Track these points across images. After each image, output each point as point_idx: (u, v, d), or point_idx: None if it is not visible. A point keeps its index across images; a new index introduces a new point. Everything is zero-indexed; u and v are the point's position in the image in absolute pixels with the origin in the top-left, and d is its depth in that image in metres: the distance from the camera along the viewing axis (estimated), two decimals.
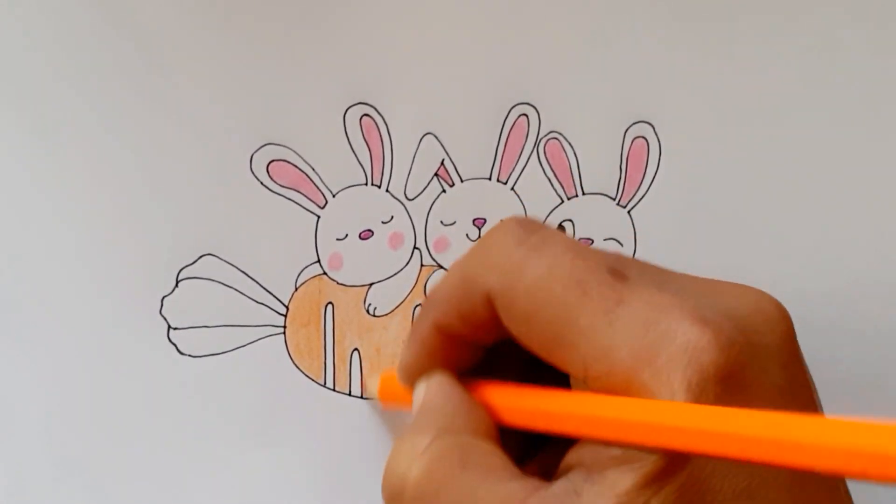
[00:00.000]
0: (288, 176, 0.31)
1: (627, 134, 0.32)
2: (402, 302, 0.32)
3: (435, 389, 0.25)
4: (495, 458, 0.22)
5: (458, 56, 0.31)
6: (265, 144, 0.31)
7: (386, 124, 0.31)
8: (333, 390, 0.31)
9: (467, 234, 0.32)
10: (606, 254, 0.23)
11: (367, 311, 0.31)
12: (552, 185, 0.32)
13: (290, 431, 0.31)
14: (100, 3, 0.30)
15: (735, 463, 0.20)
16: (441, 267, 0.32)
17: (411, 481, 0.23)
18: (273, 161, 0.31)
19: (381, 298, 0.31)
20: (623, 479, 0.20)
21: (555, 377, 0.24)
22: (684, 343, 0.20)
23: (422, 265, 0.32)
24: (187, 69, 0.30)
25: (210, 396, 0.31)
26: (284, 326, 0.31)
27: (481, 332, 0.25)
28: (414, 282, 0.32)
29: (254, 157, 0.31)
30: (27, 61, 0.30)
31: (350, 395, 0.31)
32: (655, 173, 0.32)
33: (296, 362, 0.31)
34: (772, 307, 0.22)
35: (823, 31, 0.33)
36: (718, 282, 0.23)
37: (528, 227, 0.23)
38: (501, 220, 0.24)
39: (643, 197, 0.32)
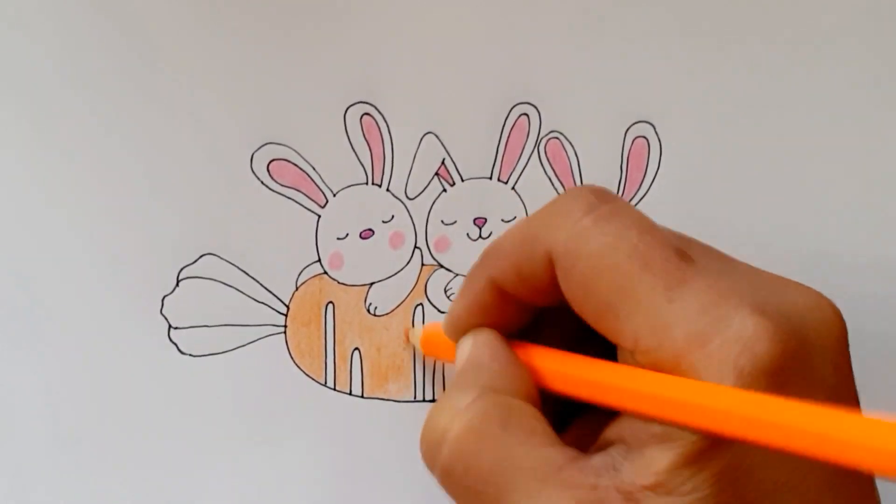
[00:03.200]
0: (288, 175, 0.31)
1: (628, 134, 0.32)
2: (402, 301, 0.32)
3: (481, 346, 0.25)
4: (536, 421, 0.22)
5: (459, 55, 0.31)
6: (266, 144, 0.31)
7: (387, 123, 0.31)
8: (334, 390, 0.31)
9: (468, 234, 0.32)
10: (674, 233, 0.23)
11: (368, 311, 0.31)
12: (553, 184, 0.32)
13: (291, 431, 0.31)
14: (100, 3, 0.30)
15: (777, 455, 0.20)
16: (441, 266, 0.32)
17: (451, 436, 0.23)
18: (273, 160, 0.31)
19: (382, 298, 0.31)
20: (662, 457, 0.20)
21: (598, 352, 0.24)
22: (740, 331, 0.20)
23: (422, 264, 0.32)
24: (188, 69, 0.30)
25: (210, 396, 0.31)
26: (285, 326, 0.31)
27: (536, 293, 0.24)
28: (414, 281, 0.32)
29: (254, 156, 0.31)
30: (28, 61, 0.30)
31: (350, 394, 0.31)
32: (656, 173, 0.32)
33: (296, 362, 0.31)
34: (829, 309, 0.22)
35: (823, 31, 0.33)
36: (779, 277, 0.23)
37: (600, 196, 0.23)
38: (575, 187, 0.24)
39: (643, 196, 0.32)
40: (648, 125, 0.32)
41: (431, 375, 0.31)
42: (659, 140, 0.32)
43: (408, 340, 0.31)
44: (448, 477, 0.23)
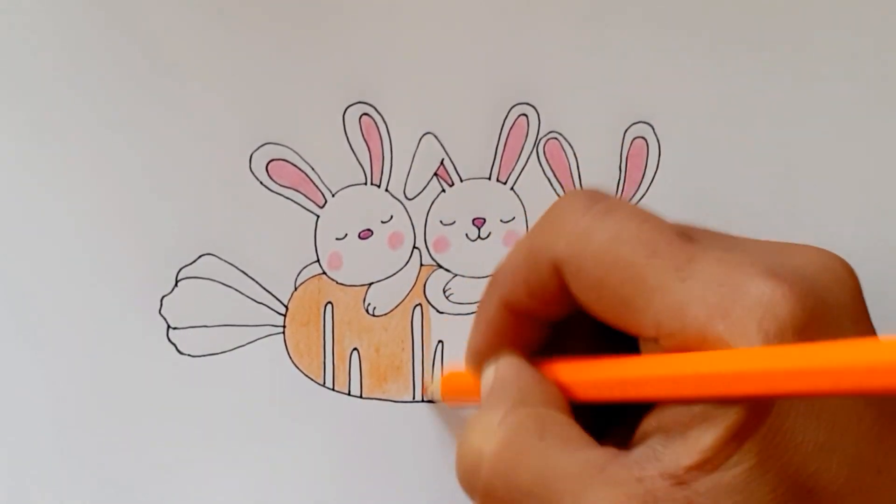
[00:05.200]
0: (287, 175, 0.31)
1: (627, 134, 0.32)
2: (401, 301, 0.32)
3: (505, 368, 0.25)
4: (571, 428, 0.22)
5: (458, 55, 0.31)
6: (264, 144, 0.31)
7: (385, 124, 0.31)
8: (333, 390, 0.31)
9: (467, 234, 0.32)
10: (672, 222, 0.23)
11: (367, 311, 0.31)
12: (552, 184, 0.32)
13: (289, 431, 0.31)
14: (101, 3, 0.30)
15: (815, 415, 0.20)
16: (440, 266, 0.32)
17: (489, 454, 0.22)
18: (272, 160, 0.31)
19: (381, 298, 0.31)
20: (705, 435, 0.20)
21: (621, 351, 0.24)
22: (759, 295, 0.20)
23: (421, 265, 0.32)
24: (187, 69, 0.30)
25: (209, 396, 0.31)
26: (284, 326, 0.31)
27: (549, 306, 0.24)
28: (413, 281, 0.32)
29: (253, 156, 0.31)
30: (29, 61, 0.30)
31: (349, 394, 0.31)
32: (655, 173, 0.32)
33: (295, 362, 0.31)
34: (839, 266, 0.22)
35: (823, 31, 0.33)
36: (785, 243, 0.24)
37: (593, 196, 0.23)
38: (566, 192, 0.24)
39: (643, 197, 0.32)
40: (647, 126, 0.32)
41: (430, 376, 0.31)
42: (658, 141, 0.32)
43: (425, 394, 0.31)
44: (490, 497, 0.22)
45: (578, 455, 0.21)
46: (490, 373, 0.25)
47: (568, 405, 0.24)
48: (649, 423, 0.22)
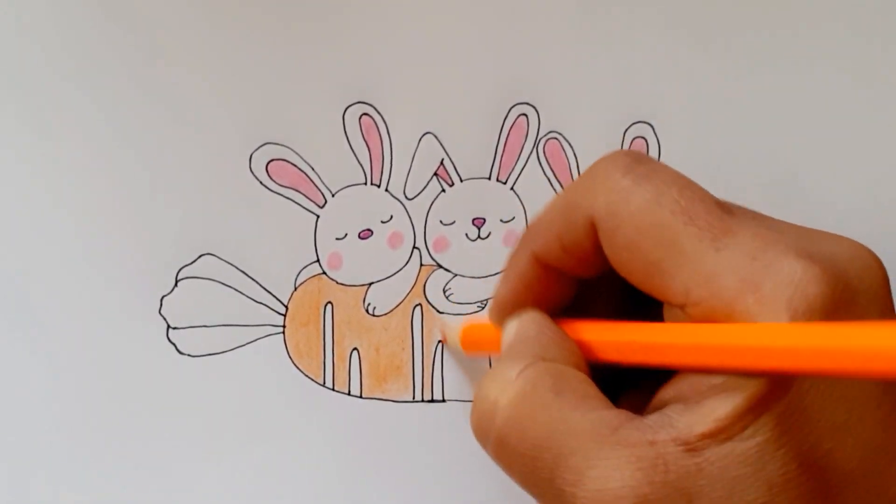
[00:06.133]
0: (287, 175, 0.31)
1: (627, 134, 0.32)
2: (401, 301, 0.32)
3: (527, 323, 0.25)
4: (588, 386, 0.22)
5: (458, 55, 0.31)
6: (264, 144, 0.31)
7: (385, 123, 0.31)
8: (333, 390, 0.31)
9: (467, 234, 0.32)
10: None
11: (367, 311, 0.31)
12: (552, 184, 0.32)
13: (289, 431, 0.31)
14: (101, 3, 0.30)
15: (834, 396, 0.20)
16: (440, 266, 0.32)
17: (503, 405, 0.22)
18: (272, 160, 0.31)
19: (381, 298, 0.31)
20: (722, 405, 0.20)
21: (645, 319, 0.24)
22: (791, 274, 0.20)
23: (421, 264, 0.32)
24: (187, 68, 0.30)
25: (209, 396, 0.31)
26: (284, 326, 0.31)
27: (581, 263, 0.24)
28: (413, 281, 0.32)
29: (253, 156, 0.31)
30: (28, 58, 0.30)
31: (349, 394, 0.31)
32: None
33: (295, 362, 0.31)
34: (868, 255, 0.22)
35: (823, 31, 0.33)
36: (819, 230, 0.24)
37: (636, 157, 0.23)
38: (610, 152, 0.24)
39: None
40: (647, 125, 0.32)
41: (430, 376, 0.31)
42: (657, 140, 0.32)
43: (445, 340, 0.31)
44: (502, 447, 0.22)
45: (593, 414, 0.21)
46: (513, 326, 0.25)
47: (587, 364, 0.24)
48: (667, 392, 0.22)
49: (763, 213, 0.23)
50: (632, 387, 0.25)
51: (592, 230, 0.23)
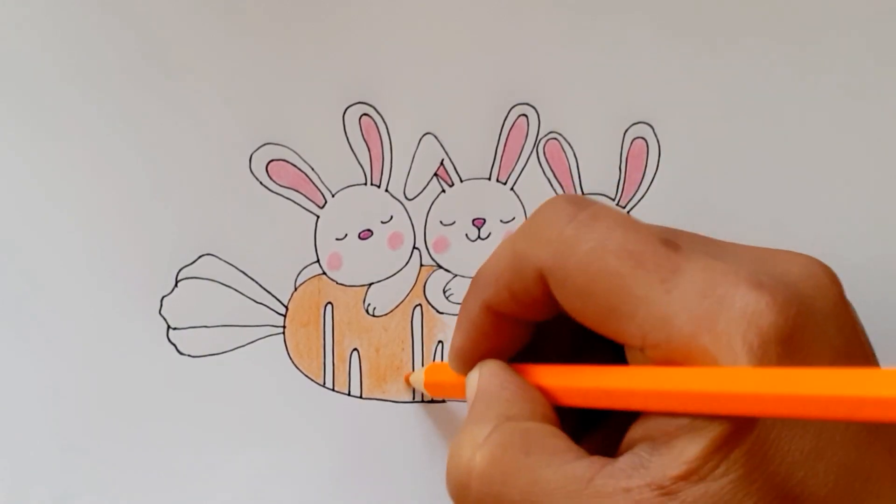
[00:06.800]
0: (287, 176, 0.31)
1: (627, 134, 0.32)
2: (401, 302, 0.32)
3: (489, 377, 0.25)
4: (557, 440, 0.22)
5: (458, 56, 0.31)
6: (264, 144, 0.31)
7: (385, 124, 0.31)
8: (333, 390, 0.31)
9: (467, 234, 0.32)
10: (657, 227, 0.23)
11: (367, 311, 0.31)
12: (552, 185, 0.32)
13: (290, 431, 0.31)
14: (102, 3, 0.30)
15: (802, 423, 0.20)
16: (440, 267, 0.32)
17: (476, 470, 0.23)
18: (272, 161, 0.31)
19: (381, 298, 0.31)
20: (691, 447, 0.20)
21: (604, 352, 0.24)
22: (743, 307, 0.20)
23: (421, 265, 0.32)
24: (187, 69, 0.30)
25: (210, 396, 0.31)
26: (284, 326, 0.31)
27: (533, 310, 0.24)
28: (413, 282, 0.32)
29: (253, 156, 0.31)
30: (30, 59, 0.30)
31: (349, 395, 0.31)
32: (655, 174, 0.32)
33: (295, 362, 0.31)
34: (821, 272, 0.23)
35: (823, 31, 0.33)
36: (768, 249, 0.24)
37: (577, 203, 0.23)
38: (549, 199, 0.24)
39: (643, 197, 0.32)
40: (647, 126, 0.32)
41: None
42: (658, 141, 0.32)
43: (408, 385, 0.31)
44: None
45: (566, 468, 0.21)
46: (473, 380, 0.25)
47: (553, 413, 0.24)
48: (636, 431, 0.22)
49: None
50: (599, 420, 0.25)
51: (542, 280, 0.23)
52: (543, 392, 0.24)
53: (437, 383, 0.29)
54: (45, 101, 0.30)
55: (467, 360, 0.26)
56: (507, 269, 0.24)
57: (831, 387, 0.18)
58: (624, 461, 0.21)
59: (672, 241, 0.22)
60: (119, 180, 0.30)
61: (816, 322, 0.21)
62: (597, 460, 0.21)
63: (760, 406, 0.19)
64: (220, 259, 0.31)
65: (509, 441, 0.23)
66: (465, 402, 0.26)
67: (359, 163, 0.31)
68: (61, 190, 0.30)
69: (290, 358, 0.31)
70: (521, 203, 0.32)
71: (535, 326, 0.26)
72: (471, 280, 0.26)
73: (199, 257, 0.31)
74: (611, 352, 0.24)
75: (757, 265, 0.22)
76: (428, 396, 0.31)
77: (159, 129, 0.30)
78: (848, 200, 0.33)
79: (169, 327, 0.30)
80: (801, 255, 0.23)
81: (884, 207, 0.33)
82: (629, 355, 0.22)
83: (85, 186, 0.30)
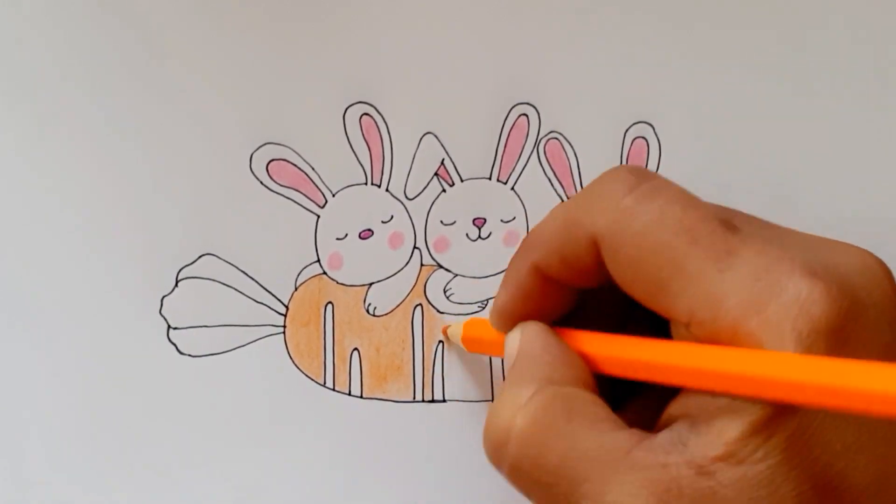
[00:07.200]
0: (288, 175, 0.31)
1: (627, 134, 0.32)
2: (401, 301, 0.32)
3: (531, 338, 0.25)
4: (598, 408, 0.22)
5: (459, 55, 0.31)
6: (265, 144, 0.31)
7: (386, 124, 0.31)
8: (333, 390, 0.31)
9: (467, 234, 0.32)
10: (716, 206, 0.23)
11: (367, 311, 0.31)
12: (552, 184, 0.32)
13: (290, 431, 0.31)
14: (102, 3, 0.30)
15: (845, 416, 0.20)
16: (441, 266, 0.32)
17: (516, 431, 0.23)
18: (273, 160, 0.31)
19: (381, 298, 0.31)
20: (731, 428, 0.20)
21: (644, 326, 0.24)
22: (795, 294, 0.20)
23: (421, 265, 0.32)
24: (188, 68, 0.30)
25: (210, 396, 0.31)
26: (284, 326, 0.31)
27: (580, 276, 0.24)
28: (414, 281, 0.32)
29: (253, 156, 0.31)
30: (29, 57, 0.30)
31: (350, 394, 0.31)
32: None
33: (295, 362, 0.31)
34: (876, 265, 0.22)
35: (823, 31, 0.33)
36: (824, 238, 0.23)
37: (639, 174, 0.23)
38: (612, 168, 0.24)
39: None
40: (648, 126, 0.32)
41: (431, 376, 0.31)
42: (658, 141, 0.32)
43: (445, 336, 0.31)
44: (517, 473, 0.23)
45: (605, 437, 0.21)
46: (515, 339, 0.25)
47: (594, 381, 0.24)
48: (676, 406, 0.22)
49: (766, 217, 0.23)
50: (639, 391, 0.25)
51: (594, 247, 0.23)
52: (584, 358, 0.24)
53: (476, 338, 0.29)
54: (45, 101, 0.30)
55: (509, 319, 0.26)
56: (559, 233, 0.24)
57: (878, 382, 0.17)
58: (663, 437, 0.21)
59: (730, 222, 0.22)
60: (119, 180, 0.30)
61: (868, 315, 0.21)
62: (636, 433, 0.21)
63: (804, 394, 0.19)
64: (220, 259, 0.31)
65: (551, 405, 0.22)
66: (502, 359, 0.26)
67: (359, 162, 0.31)
68: (62, 190, 0.30)
69: (291, 358, 0.31)
70: (522, 203, 0.32)
71: (580, 293, 0.26)
72: (521, 241, 0.26)
73: (200, 257, 0.31)
74: (651, 326, 0.24)
75: (812, 253, 0.21)
76: (429, 395, 0.31)
77: (160, 128, 0.30)
78: (850, 199, 0.33)
79: (169, 327, 0.30)
80: (856, 247, 0.23)
81: (885, 207, 0.33)
82: (674, 331, 0.22)
83: (85, 186, 0.30)
